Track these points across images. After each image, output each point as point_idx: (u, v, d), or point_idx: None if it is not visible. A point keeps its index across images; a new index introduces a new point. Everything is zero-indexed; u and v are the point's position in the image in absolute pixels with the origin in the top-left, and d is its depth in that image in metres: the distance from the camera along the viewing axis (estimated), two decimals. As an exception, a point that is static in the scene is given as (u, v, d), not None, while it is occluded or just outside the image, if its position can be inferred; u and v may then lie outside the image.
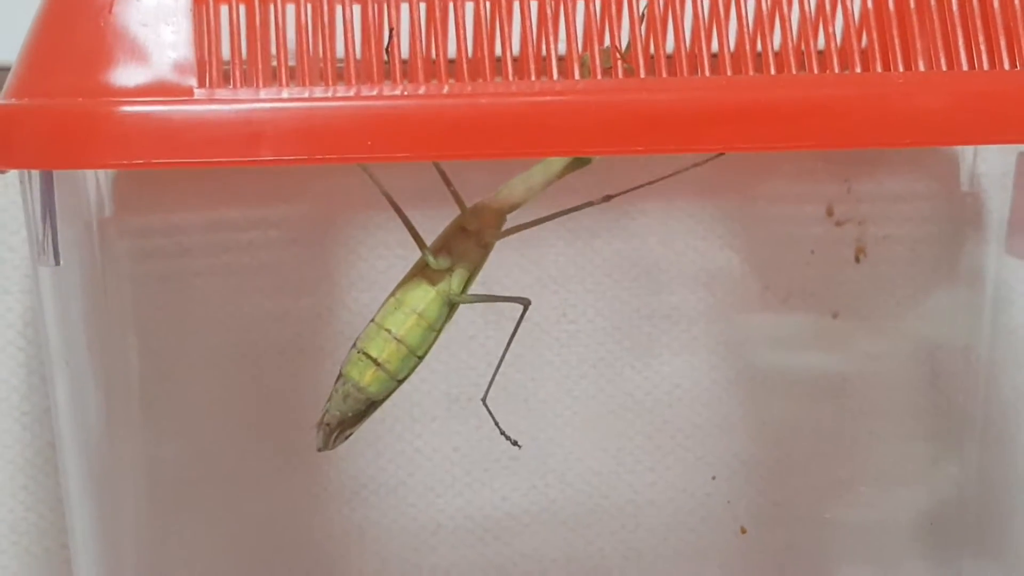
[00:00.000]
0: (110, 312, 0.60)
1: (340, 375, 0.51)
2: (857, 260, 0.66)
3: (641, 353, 0.66)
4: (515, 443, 0.55)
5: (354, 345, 0.51)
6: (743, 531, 0.66)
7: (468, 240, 0.52)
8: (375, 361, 0.51)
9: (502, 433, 0.55)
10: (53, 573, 0.64)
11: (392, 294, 0.52)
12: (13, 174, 0.49)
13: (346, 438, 0.52)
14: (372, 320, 0.51)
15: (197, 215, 0.63)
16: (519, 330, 0.54)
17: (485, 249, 0.52)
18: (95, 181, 0.59)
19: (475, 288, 0.53)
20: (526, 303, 0.53)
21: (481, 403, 0.54)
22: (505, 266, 0.63)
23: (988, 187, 0.65)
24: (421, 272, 0.52)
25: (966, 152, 0.66)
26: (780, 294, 0.66)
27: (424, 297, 0.51)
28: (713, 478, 0.66)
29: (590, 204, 0.52)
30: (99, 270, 0.58)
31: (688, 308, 0.65)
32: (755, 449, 0.66)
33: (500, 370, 0.55)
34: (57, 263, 0.49)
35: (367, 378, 0.51)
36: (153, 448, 0.62)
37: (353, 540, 0.65)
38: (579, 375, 0.66)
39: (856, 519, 0.67)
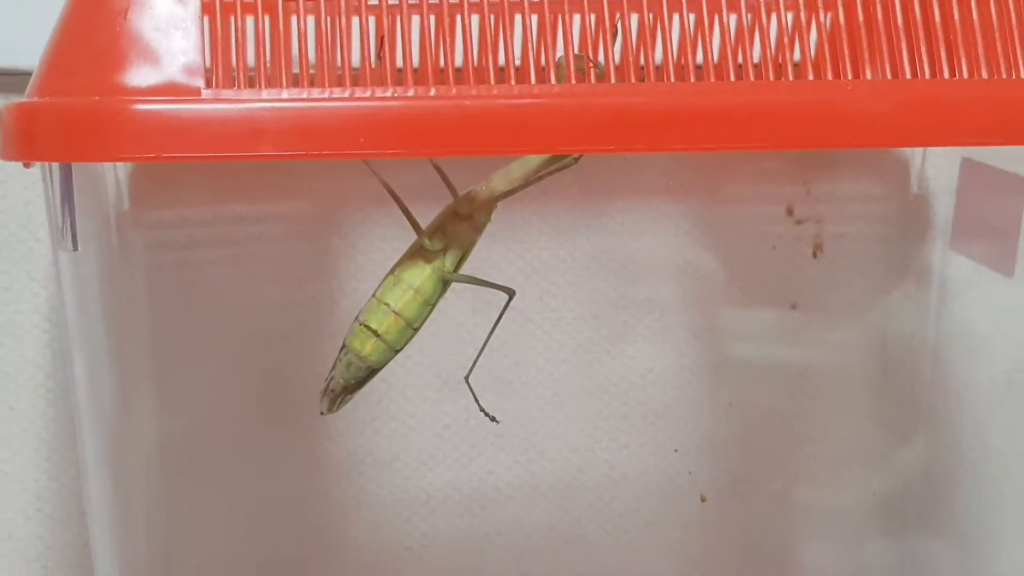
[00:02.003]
0: (126, 298, 0.60)
1: (343, 346, 0.52)
2: (815, 256, 0.66)
3: (616, 340, 0.66)
4: (493, 419, 0.55)
5: (356, 318, 0.52)
6: (703, 499, 0.66)
7: (460, 224, 0.53)
8: (375, 332, 0.51)
9: (481, 410, 0.55)
10: (74, 537, 0.65)
11: (391, 272, 0.52)
12: (36, 171, 0.50)
13: (346, 403, 0.53)
14: (373, 295, 0.52)
15: (208, 210, 0.63)
16: (504, 318, 0.55)
17: (475, 232, 0.53)
18: (113, 178, 0.59)
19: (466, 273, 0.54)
20: (511, 293, 0.54)
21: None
22: (492, 259, 0.64)
23: (935, 190, 0.66)
24: (417, 252, 0.52)
25: (915, 158, 0.66)
26: (744, 286, 0.66)
27: (420, 274, 0.52)
28: (676, 451, 0.66)
29: (563, 167, 0.52)
30: (116, 260, 0.59)
31: (660, 299, 0.66)
32: (718, 428, 0.67)
33: (487, 355, 0.56)
34: (75, 248, 0.49)
35: (368, 348, 0.52)
36: (164, 423, 0.62)
37: (350, 510, 0.65)
38: (559, 360, 0.66)
39: (810, 494, 0.68)
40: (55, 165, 0.48)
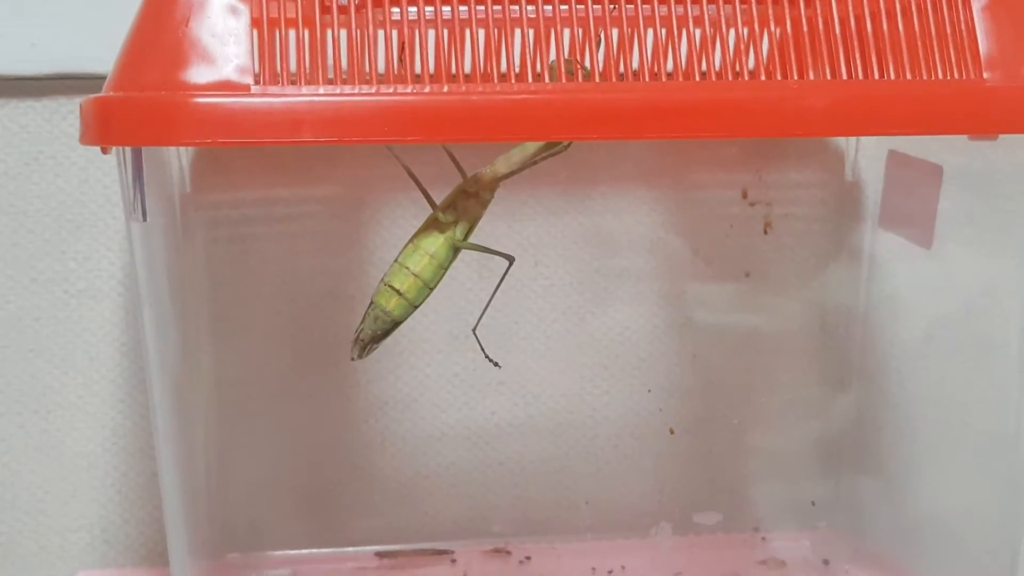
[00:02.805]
0: (188, 266, 0.60)
1: (371, 303, 0.52)
2: (765, 232, 0.66)
3: (599, 303, 0.66)
4: (496, 364, 0.55)
5: (382, 280, 0.52)
6: (671, 432, 0.66)
7: (468, 200, 0.53)
8: (398, 291, 0.51)
9: (486, 357, 0.55)
10: (145, 467, 0.65)
11: (410, 241, 0.52)
12: (112, 158, 0.49)
13: (373, 351, 0.53)
14: (396, 261, 0.52)
15: (257, 193, 0.63)
16: (504, 283, 0.55)
17: (481, 207, 0.53)
18: (177, 165, 0.59)
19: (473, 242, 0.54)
20: (511, 259, 0.54)
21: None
22: (495, 234, 0.63)
23: (866, 178, 0.65)
24: (433, 224, 0.52)
25: (849, 150, 0.66)
26: (705, 258, 0.66)
27: (435, 242, 0.52)
28: (649, 391, 0.66)
29: (556, 153, 0.52)
30: (179, 234, 0.58)
31: (635, 269, 0.65)
32: (684, 375, 0.66)
33: (490, 315, 0.56)
34: (144, 219, 0.49)
35: (392, 304, 0.52)
36: (220, 370, 0.62)
37: (376, 445, 0.65)
38: (551, 319, 0.66)
39: (760, 434, 0.67)
40: (128, 149, 0.48)
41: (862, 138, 0.65)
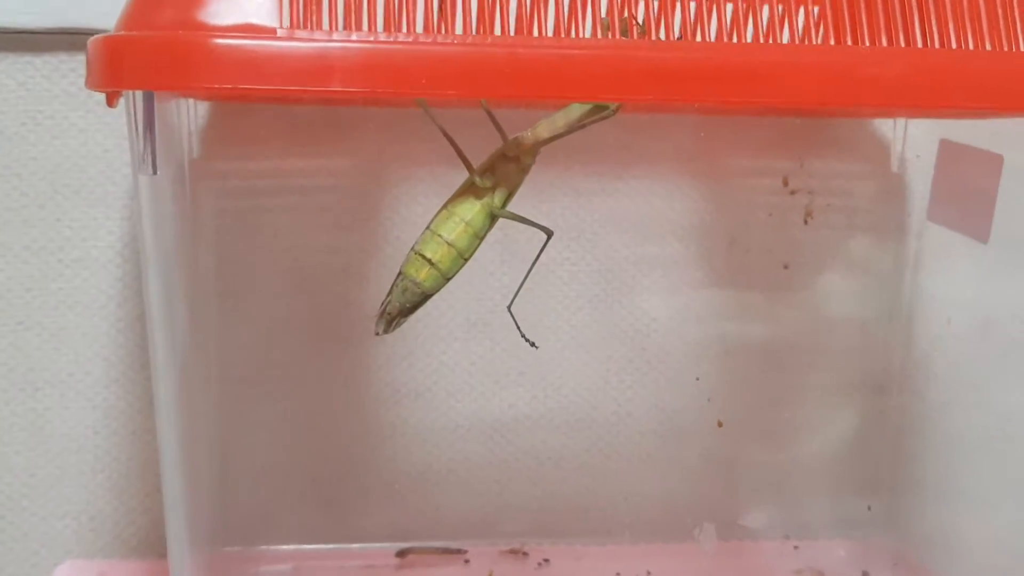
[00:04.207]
0: (196, 237, 0.56)
1: (400, 273, 0.48)
2: (806, 223, 0.62)
3: (627, 292, 0.62)
4: (533, 344, 0.52)
5: (412, 248, 0.48)
6: (720, 424, 0.62)
7: (508, 165, 0.48)
8: (429, 261, 0.47)
9: (523, 336, 0.52)
10: (137, 452, 0.61)
11: (444, 207, 0.48)
12: (112, 125, 0.45)
13: (400, 325, 0.49)
14: (427, 228, 0.48)
15: (268, 163, 0.59)
16: (539, 260, 0.52)
17: (522, 173, 0.49)
18: (187, 130, 0.55)
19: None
20: (550, 233, 0.50)
21: (506, 312, 0.52)
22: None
23: (914, 169, 0.62)
24: (469, 189, 0.49)
25: (896, 139, 0.62)
26: (742, 248, 0.62)
27: (471, 209, 0.48)
28: (697, 379, 0.62)
29: (603, 118, 0.48)
30: (187, 202, 0.54)
31: (666, 257, 0.62)
32: (715, 373, 0.62)
33: (515, 303, 0.52)
34: (155, 172, 0.45)
35: (423, 275, 0.48)
36: (225, 351, 0.58)
37: (387, 435, 0.61)
38: (576, 308, 0.62)
39: (792, 439, 0.64)
40: (139, 95, 0.44)
41: (910, 128, 0.62)
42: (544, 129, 0.48)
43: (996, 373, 0.58)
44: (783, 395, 0.63)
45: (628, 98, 0.44)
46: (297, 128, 0.58)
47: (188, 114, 0.56)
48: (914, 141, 0.62)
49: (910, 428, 0.63)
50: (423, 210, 0.59)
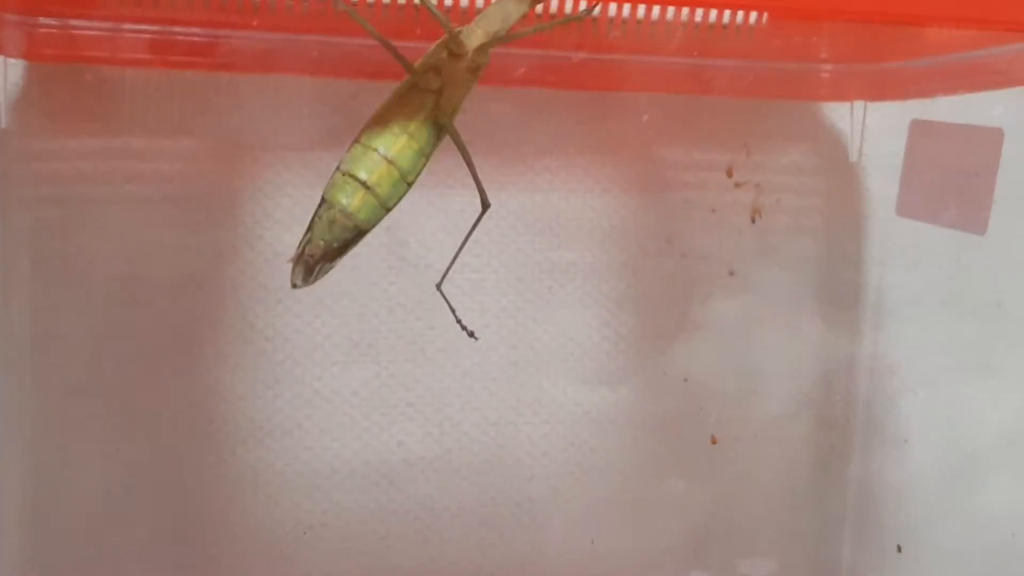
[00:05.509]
0: (5, 234, 0.44)
1: (323, 201, 0.36)
2: (753, 222, 0.53)
3: (541, 305, 0.52)
4: (472, 334, 0.42)
5: (338, 168, 0.36)
6: (713, 442, 0.52)
7: (455, 63, 0.37)
8: (364, 184, 0.36)
9: (459, 322, 0.42)
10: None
11: (375, 116, 0.37)
12: None
13: (324, 273, 0.37)
14: (356, 142, 0.36)
15: (98, 142, 0.48)
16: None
17: (472, 75, 0.37)
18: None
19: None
20: (487, 205, 0.39)
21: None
22: (412, 213, 0.50)
23: (874, 156, 0.54)
24: (409, 92, 0.37)
25: (854, 125, 0.54)
26: (680, 251, 0.53)
27: (415, 116, 0.36)
28: (686, 381, 0.52)
29: (578, 18, 0.37)
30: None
31: (584, 264, 0.52)
32: (645, 402, 0.53)
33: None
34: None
35: (356, 202, 0.36)
36: (41, 377, 0.47)
37: (246, 482, 0.50)
38: (481, 325, 0.52)
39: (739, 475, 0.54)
40: None
41: (871, 112, 0.53)
42: (495, 17, 0.36)
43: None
44: (738, 418, 0.54)
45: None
46: (134, 97, 0.47)
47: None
48: (876, 125, 0.54)
49: (878, 476, 0.54)
50: (293, 203, 0.49)
